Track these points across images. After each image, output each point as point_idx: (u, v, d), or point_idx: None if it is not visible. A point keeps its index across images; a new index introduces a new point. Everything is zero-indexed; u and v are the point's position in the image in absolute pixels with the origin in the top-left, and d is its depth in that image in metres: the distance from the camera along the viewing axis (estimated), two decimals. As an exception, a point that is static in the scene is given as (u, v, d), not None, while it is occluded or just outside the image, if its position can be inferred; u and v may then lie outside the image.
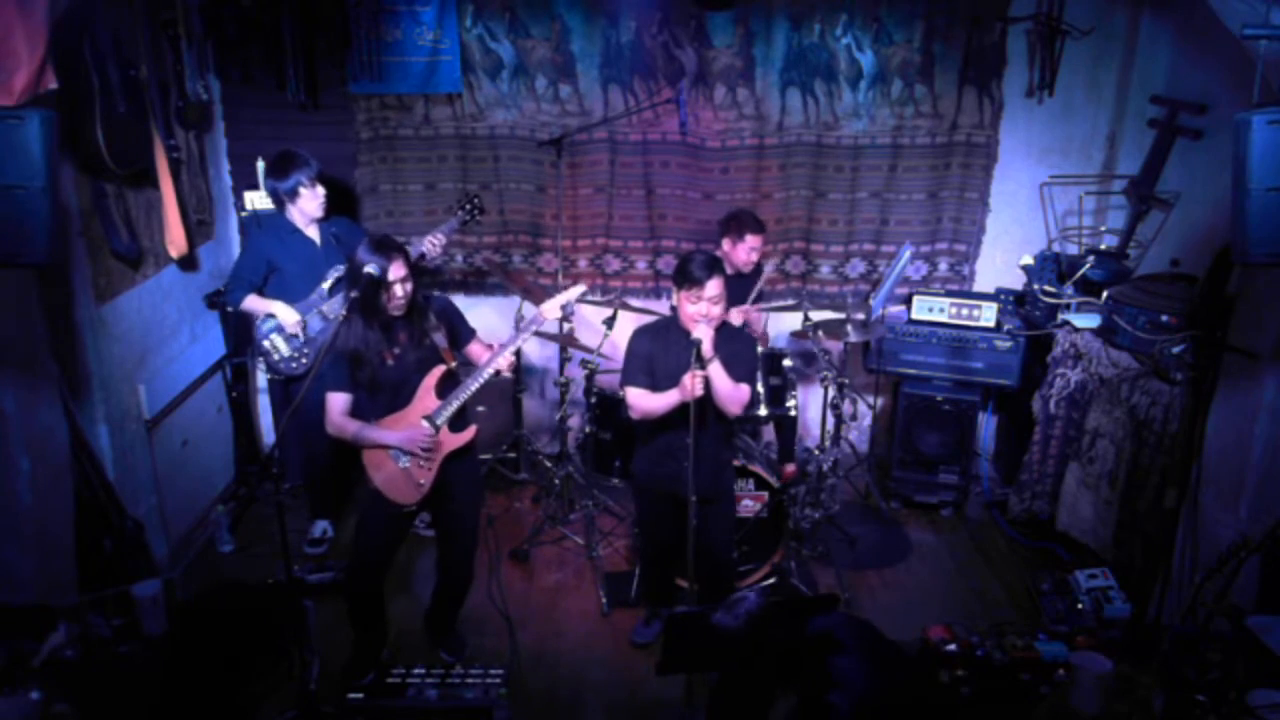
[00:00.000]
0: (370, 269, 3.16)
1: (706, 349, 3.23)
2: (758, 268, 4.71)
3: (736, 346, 3.48)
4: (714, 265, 3.35)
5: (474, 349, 3.57)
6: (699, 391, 3.22)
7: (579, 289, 3.66)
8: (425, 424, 3.41)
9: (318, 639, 3.67)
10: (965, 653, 3.56)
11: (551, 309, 3.53)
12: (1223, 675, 3.12)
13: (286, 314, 4.21)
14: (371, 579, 3.57)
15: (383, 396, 3.41)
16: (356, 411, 3.40)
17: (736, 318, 4.65)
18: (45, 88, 2.84)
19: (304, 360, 4.30)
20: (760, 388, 4.46)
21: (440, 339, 3.43)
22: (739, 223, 4.54)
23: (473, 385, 3.44)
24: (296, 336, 4.27)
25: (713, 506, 3.53)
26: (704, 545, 3.46)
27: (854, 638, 2.62)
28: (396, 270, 3.22)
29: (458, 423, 3.49)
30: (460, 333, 3.55)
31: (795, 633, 2.61)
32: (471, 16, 4.82)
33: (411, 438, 3.38)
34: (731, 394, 3.36)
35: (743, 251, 4.52)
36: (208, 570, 4.45)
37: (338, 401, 3.34)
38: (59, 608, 3.33)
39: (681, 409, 3.34)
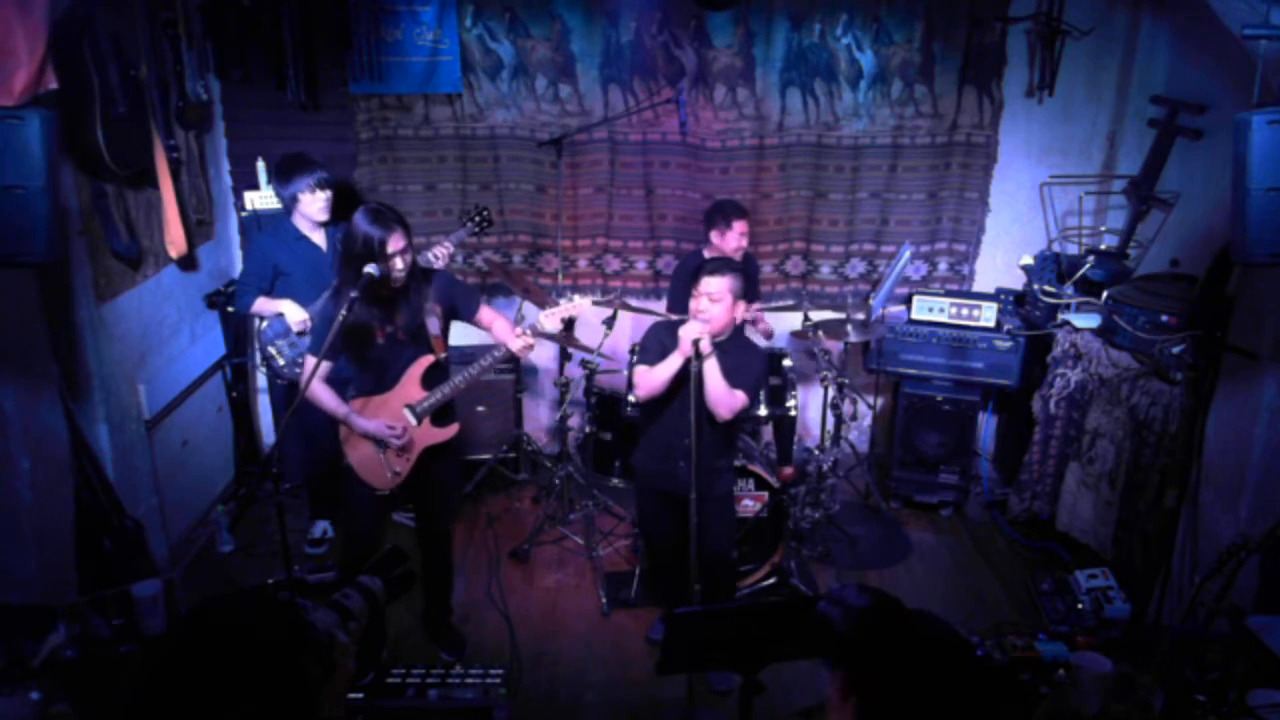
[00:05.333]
0: (370, 269, 3.15)
1: (704, 346, 3.25)
2: (749, 259, 4.71)
3: (744, 358, 3.49)
4: (722, 267, 3.38)
5: (484, 316, 3.51)
6: (700, 333, 3.23)
7: (582, 303, 3.51)
8: (408, 413, 3.40)
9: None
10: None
11: (548, 322, 3.44)
12: (1223, 675, 3.12)
13: (294, 312, 4.20)
14: (364, 562, 3.57)
15: (368, 372, 3.38)
16: (338, 378, 3.38)
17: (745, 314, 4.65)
18: (45, 88, 2.84)
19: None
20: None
21: (434, 324, 3.38)
22: (723, 211, 4.53)
23: (460, 382, 3.42)
24: (304, 337, 4.26)
25: (706, 508, 3.53)
26: (700, 546, 3.47)
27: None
28: (395, 242, 3.16)
29: (441, 417, 3.48)
30: (463, 306, 3.49)
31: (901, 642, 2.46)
32: (471, 16, 4.81)
33: (383, 431, 3.35)
34: (722, 396, 3.36)
35: (732, 239, 4.50)
36: (208, 570, 4.45)
37: (314, 365, 3.23)
38: (59, 608, 3.32)
39: (678, 406, 3.35)
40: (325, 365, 3.27)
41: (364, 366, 3.38)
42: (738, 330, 3.56)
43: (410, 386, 3.41)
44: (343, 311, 3.09)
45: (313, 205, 4.17)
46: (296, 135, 4.81)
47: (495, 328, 3.53)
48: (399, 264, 3.20)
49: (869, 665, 2.28)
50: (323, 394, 3.34)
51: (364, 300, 3.21)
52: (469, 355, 3.78)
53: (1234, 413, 3.63)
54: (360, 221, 3.17)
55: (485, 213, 4.53)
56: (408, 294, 3.32)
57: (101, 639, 3.38)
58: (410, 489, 3.56)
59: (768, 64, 4.92)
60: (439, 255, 4.25)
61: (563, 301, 3.44)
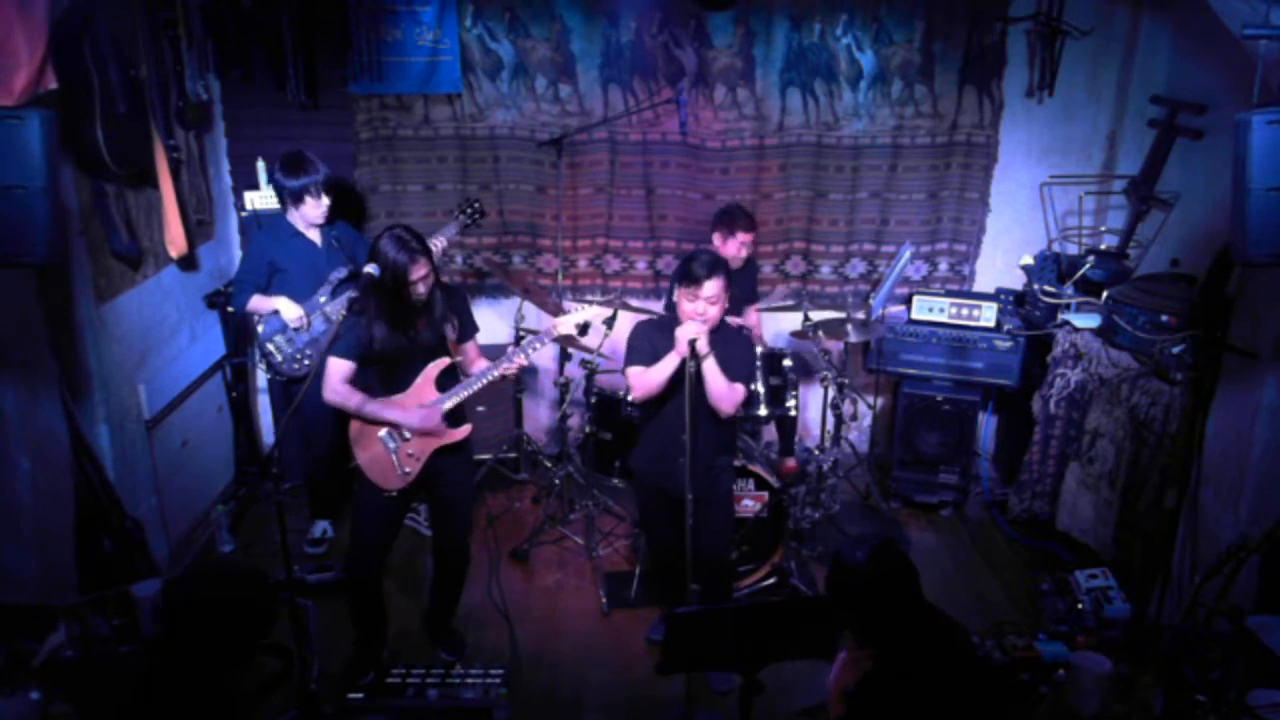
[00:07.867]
0: (370, 269, 3.16)
1: (701, 345, 3.25)
2: (750, 265, 4.71)
3: (735, 349, 3.48)
4: (716, 266, 3.35)
5: (470, 349, 3.56)
6: (698, 333, 3.24)
7: (599, 311, 3.53)
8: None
9: (318, 639, 3.67)
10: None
11: (565, 325, 3.49)
12: (1223, 675, 3.13)
13: (289, 309, 4.22)
14: (368, 565, 3.57)
15: (387, 374, 3.42)
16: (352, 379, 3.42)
17: (752, 318, 4.66)
18: (45, 88, 2.84)
19: (306, 362, 4.30)
20: (760, 388, 4.46)
21: (451, 330, 3.45)
22: (730, 219, 4.52)
23: (475, 385, 3.44)
24: (300, 334, 4.27)
25: (706, 508, 3.53)
26: (697, 545, 3.47)
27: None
28: (418, 270, 3.23)
29: (452, 418, 3.49)
30: (466, 328, 3.55)
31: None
32: (471, 16, 4.81)
33: (427, 418, 3.37)
34: (725, 393, 3.37)
35: (732, 247, 4.50)
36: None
37: (340, 368, 3.32)
38: (59, 608, 3.32)
39: (676, 405, 3.36)
40: (350, 366, 3.33)
41: (385, 371, 3.42)
42: (721, 321, 3.54)
43: (425, 388, 3.43)
44: (342, 310, 3.14)
45: (315, 209, 4.21)
46: (296, 135, 4.80)
47: (471, 361, 3.58)
48: (420, 289, 3.28)
49: (886, 596, 2.44)
50: (350, 397, 3.36)
51: (390, 325, 3.29)
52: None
53: (1234, 413, 3.63)
54: (387, 248, 3.20)
55: (477, 204, 4.55)
56: (430, 309, 3.37)
57: (101, 639, 3.38)
58: (425, 495, 3.55)
59: (768, 64, 4.92)
60: (434, 248, 4.26)
61: (577, 307, 3.47)
